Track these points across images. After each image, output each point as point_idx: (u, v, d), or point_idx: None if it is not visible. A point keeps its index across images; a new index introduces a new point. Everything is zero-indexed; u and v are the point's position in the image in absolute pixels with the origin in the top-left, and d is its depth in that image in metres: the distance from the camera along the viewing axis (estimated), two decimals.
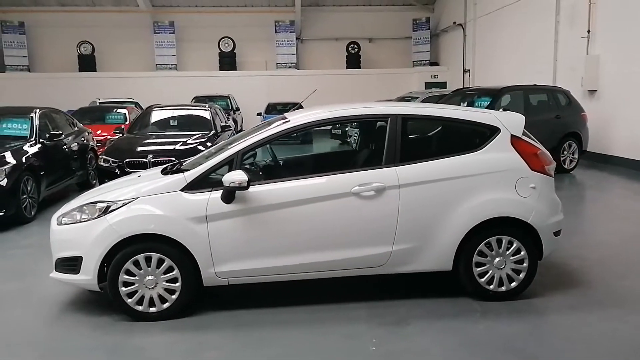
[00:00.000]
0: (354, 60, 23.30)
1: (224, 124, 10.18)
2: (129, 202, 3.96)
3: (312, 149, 15.35)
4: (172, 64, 22.92)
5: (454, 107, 4.97)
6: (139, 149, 8.58)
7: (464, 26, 19.87)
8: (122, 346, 3.71)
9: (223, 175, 3.87)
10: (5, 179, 6.90)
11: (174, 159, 7.02)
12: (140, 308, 3.98)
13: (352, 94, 21.52)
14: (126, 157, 8.32)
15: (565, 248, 5.45)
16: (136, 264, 3.93)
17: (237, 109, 19.90)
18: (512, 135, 4.28)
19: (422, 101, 12.99)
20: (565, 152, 10.49)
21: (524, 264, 4.24)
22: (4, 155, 7.25)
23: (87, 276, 3.94)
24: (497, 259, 4.21)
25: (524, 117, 4.46)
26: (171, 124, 10.02)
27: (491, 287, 4.24)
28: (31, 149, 7.82)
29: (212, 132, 9.39)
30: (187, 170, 4.12)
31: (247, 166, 4.57)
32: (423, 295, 4.38)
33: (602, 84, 11.75)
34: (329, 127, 15.79)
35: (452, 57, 21.71)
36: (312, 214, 3.99)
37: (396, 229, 4.06)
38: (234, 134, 9.69)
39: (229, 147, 4.20)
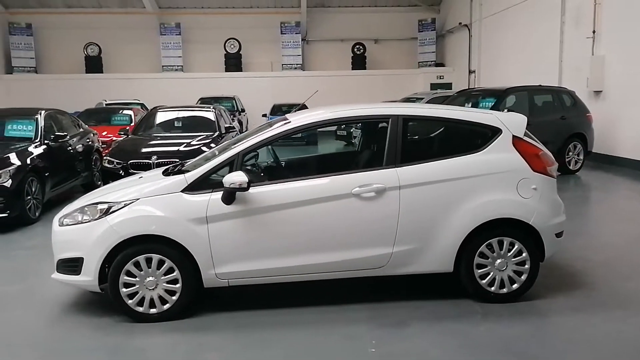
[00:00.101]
0: (359, 61, 23.30)
1: (228, 125, 10.19)
2: (130, 203, 3.97)
3: (317, 150, 15.34)
4: (178, 66, 23.02)
5: (456, 107, 4.95)
6: (143, 150, 8.61)
7: (470, 27, 19.81)
8: (122, 347, 3.72)
9: (224, 177, 3.88)
10: (10, 180, 6.94)
11: (177, 160, 7.03)
12: (140, 309, 3.99)
13: (357, 95, 21.55)
14: (130, 158, 8.35)
15: (569, 249, 5.42)
16: (137, 265, 3.93)
17: (243, 110, 19.94)
18: (513, 136, 4.26)
19: (427, 102, 12.96)
20: (571, 153, 10.43)
21: (526, 266, 4.21)
22: (8, 156, 7.29)
23: (88, 277, 3.95)
24: (499, 261, 4.18)
25: (525, 118, 4.43)
26: (175, 125, 10.05)
27: (492, 288, 4.21)
28: (36, 150, 7.86)
29: (216, 133, 9.40)
30: (188, 171, 4.13)
31: (249, 167, 4.58)
32: (424, 297, 4.37)
33: (607, 85, 11.68)
34: (334, 128, 15.82)
35: (457, 58, 21.65)
36: (312, 215, 3.99)
37: (397, 231, 4.05)
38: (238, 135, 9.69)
39: (230, 148, 4.20)
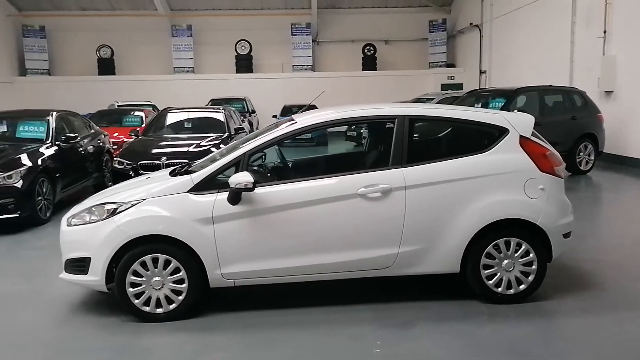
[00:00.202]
0: (369, 62, 23.27)
1: (237, 126, 10.23)
2: (137, 204, 4.00)
3: (327, 150, 15.34)
4: (189, 67, 23.15)
5: (462, 107, 4.92)
6: (153, 151, 8.68)
7: (481, 27, 19.71)
8: (129, 347, 3.75)
9: (229, 177, 3.89)
10: (21, 180, 7.02)
11: (187, 161, 7.08)
12: (147, 309, 4.01)
13: (368, 96, 21.53)
14: (140, 159, 8.42)
15: (578, 250, 5.37)
16: (143, 265, 3.96)
17: (253, 111, 20.01)
18: (520, 136, 4.23)
19: (437, 102, 12.91)
20: (581, 154, 10.34)
21: (533, 266, 4.18)
22: (20, 157, 7.39)
23: (96, 277, 3.99)
24: (506, 261, 4.16)
25: (533, 118, 4.40)
26: (185, 126, 10.10)
27: (499, 289, 4.19)
28: (47, 152, 7.94)
29: (225, 134, 9.45)
30: (195, 172, 4.15)
31: (255, 168, 4.60)
32: (430, 298, 4.35)
33: (618, 85, 11.55)
34: (344, 129, 15.83)
35: (468, 59, 21.54)
36: (318, 215, 3.99)
37: (403, 231, 4.04)
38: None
39: (236, 149, 4.22)
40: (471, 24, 20.45)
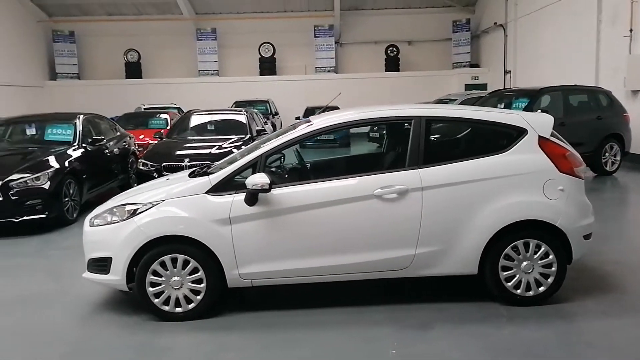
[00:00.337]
0: (392, 63, 23.19)
1: (259, 128, 10.33)
2: (157, 204, 4.08)
3: (349, 151, 15.35)
4: (214, 70, 23.43)
5: (480, 108, 4.89)
6: (176, 153, 8.83)
7: (505, 27, 19.46)
8: (149, 346, 3.82)
9: (247, 178, 3.94)
10: (49, 182, 7.21)
11: (209, 162, 7.18)
12: (166, 308, 4.09)
13: (391, 97, 21.47)
14: (164, 161, 8.58)
15: (601, 252, 5.29)
16: (163, 265, 4.03)
17: (276, 113, 20.15)
18: (539, 137, 4.18)
19: (460, 103, 12.80)
20: (607, 154, 10.14)
21: (553, 268, 4.12)
22: (47, 159, 7.60)
23: (117, 276, 4.08)
24: (525, 263, 4.11)
25: (552, 118, 4.34)
26: (208, 128, 10.26)
27: (518, 291, 4.14)
28: (74, 154, 8.14)
29: (247, 136, 9.55)
30: (213, 173, 4.22)
31: (273, 169, 4.65)
32: (448, 300, 4.33)
33: None
34: (366, 130, 15.81)
35: (493, 58, 21.29)
36: (334, 216, 4.01)
37: (419, 232, 4.03)
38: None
39: (253, 150, 4.27)
40: (495, 23, 20.21)
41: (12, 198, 6.93)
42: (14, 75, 20.78)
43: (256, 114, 11.92)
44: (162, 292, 4.07)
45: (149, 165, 8.63)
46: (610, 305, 4.17)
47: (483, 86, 20.80)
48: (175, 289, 4.06)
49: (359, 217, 4.01)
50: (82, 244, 4.41)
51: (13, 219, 6.95)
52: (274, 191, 3.96)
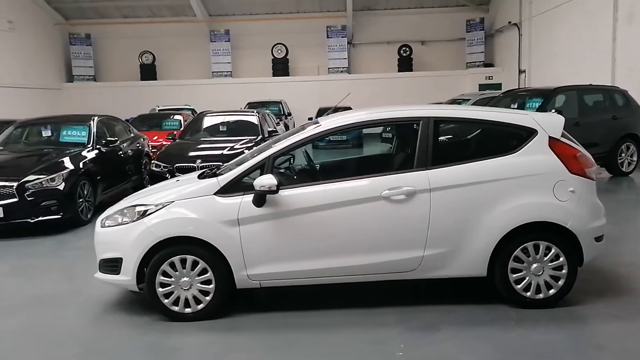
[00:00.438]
0: (405, 63, 23.13)
1: (271, 129, 10.38)
2: (166, 206, 4.12)
3: (362, 152, 15.34)
4: (227, 71, 23.57)
5: (489, 108, 4.85)
6: (188, 154, 8.90)
7: (520, 26, 19.30)
8: (158, 346, 3.86)
9: (255, 180, 3.97)
10: (63, 183, 7.31)
11: (221, 163, 7.23)
12: (176, 308, 4.12)
13: (404, 97, 21.43)
14: (176, 162, 8.66)
15: (615, 254, 5.22)
16: (172, 265, 4.07)
17: (289, 114, 20.20)
18: (550, 137, 4.14)
19: (474, 103, 12.72)
20: (623, 155, 9.99)
21: (563, 271, 4.08)
22: (62, 160, 7.70)
23: (127, 277, 4.12)
24: (535, 265, 4.07)
25: (563, 119, 4.30)
26: (220, 129, 10.33)
27: (528, 294, 4.10)
28: (88, 155, 8.25)
29: (259, 137, 9.60)
30: (222, 174, 4.24)
31: (282, 170, 4.67)
32: (457, 302, 4.31)
33: None
34: (379, 131, 15.80)
35: (507, 58, 21.12)
36: (342, 217, 4.01)
37: (427, 234, 4.01)
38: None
39: (261, 151, 4.29)
40: (510, 22, 20.05)
41: (28, 199, 7.04)
42: (32, 77, 21.13)
43: (268, 115, 11.98)
44: (172, 292, 4.10)
45: (162, 167, 8.72)
46: (622, 308, 4.11)
47: (497, 86, 20.65)
48: (185, 289, 4.09)
49: (367, 218, 4.01)
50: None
51: (29, 220, 7.06)
52: (282, 192, 3.98)
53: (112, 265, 4.20)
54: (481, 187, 4.03)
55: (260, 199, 3.96)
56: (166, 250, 4.05)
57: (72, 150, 8.19)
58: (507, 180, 4.04)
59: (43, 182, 7.17)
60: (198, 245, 4.03)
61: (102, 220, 4.40)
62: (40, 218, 7.10)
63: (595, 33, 13.68)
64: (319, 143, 15.52)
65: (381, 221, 4.02)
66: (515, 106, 10.13)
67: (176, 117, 14.84)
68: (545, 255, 4.07)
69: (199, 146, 9.40)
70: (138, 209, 4.20)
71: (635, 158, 10.05)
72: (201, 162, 8.37)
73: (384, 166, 4.78)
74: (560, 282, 4.09)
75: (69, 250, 6.58)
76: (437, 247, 4.03)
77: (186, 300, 4.11)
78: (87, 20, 23.77)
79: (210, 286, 4.09)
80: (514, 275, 4.09)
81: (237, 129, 10.11)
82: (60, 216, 7.25)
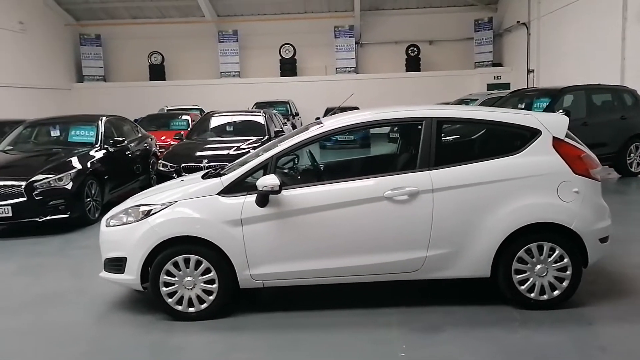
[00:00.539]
0: (413, 63, 23.08)
1: (277, 129, 10.40)
2: (170, 205, 4.14)
3: (369, 152, 15.33)
4: (235, 71, 23.65)
5: (493, 109, 4.83)
6: (195, 154, 8.95)
7: (528, 25, 19.19)
8: (162, 345, 3.88)
9: (257, 180, 3.98)
10: (71, 182, 7.37)
11: (227, 163, 7.25)
12: (180, 308, 4.14)
13: (412, 97, 21.39)
14: (183, 162, 8.71)
15: (622, 255, 5.19)
16: (176, 265, 4.09)
17: (297, 114, 20.23)
18: (554, 138, 4.12)
19: (481, 103, 12.66)
20: (632, 155, 9.90)
21: (567, 272, 4.05)
22: (70, 160, 7.77)
23: (131, 276, 4.15)
24: (539, 266, 4.05)
25: (567, 119, 4.27)
26: (227, 129, 10.37)
27: (532, 295, 4.08)
28: (96, 155, 8.31)
29: (265, 137, 9.61)
30: (225, 174, 4.26)
31: (285, 170, 4.68)
32: (460, 302, 4.29)
33: None
34: (387, 131, 15.80)
35: (516, 57, 21.01)
36: (344, 218, 4.01)
37: (430, 234, 4.01)
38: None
39: (264, 152, 4.31)
40: (518, 22, 19.95)
41: (36, 198, 7.10)
42: (43, 78, 21.34)
43: (275, 115, 12.00)
44: (176, 292, 4.12)
45: (169, 166, 8.77)
46: (627, 310, 4.08)
47: (506, 86, 20.55)
48: (188, 289, 4.11)
49: (370, 218, 4.01)
50: None
51: (37, 219, 7.12)
52: (285, 192, 3.99)
53: (116, 265, 4.23)
54: (484, 188, 4.01)
55: (263, 199, 3.97)
56: (170, 250, 4.07)
57: (80, 150, 8.26)
58: (510, 180, 4.02)
59: (51, 182, 7.24)
60: (201, 245, 4.05)
61: (107, 219, 4.43)
62: (48, 217, 7.17)
63: (605, 32, 13.58)
64: (327, 143, 15.58)
65: (384, 221, 4.01)
66: (523, 106, 10.08)
67: (184, 117, 14.92)
68: (549, 256, 4.05)
69: (206, 146, 9.45)
70: (142, 208, 4.23)
71: None
72: (207, 162, 8.41)
73: (387, 166, 4.77)
74: (565, 284, 4.07)
75: (76, 249, 6.63)
76: (440, 247, 4.03)
77: (190, 299, 4.13)
78: (97, 21, 23.95)
79: (214, 286, 4.10)
80: (518, 277, 4.07)
81: (244, 129, 10.15)
82: (67, 215, 7.31)
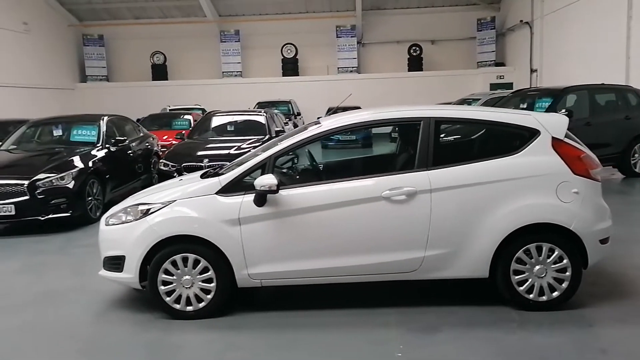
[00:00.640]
0: (415, 63, 23.05)
1: (278, 129, 10.40)
2: (168, 204, 4.15)
3: (371, 152, 15.32)
4: (237, 71, 23.68)
5: (492, 109, 4.82)
6: (196, 153, 8.96)
7: (531, 24, 19.14)
8: (159, 343, 3.89)
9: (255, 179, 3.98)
10: (73, 181, 7.40)
11: (227, 163, 7.26)
12: (178, 306, 4.14)
13: (414, 97, 21.38)
14: (184, 161, 8.73)
15: (624, 257, 5.16)
16: (174, 264, 4.09)
17: (298, 114, 20.23)
18: (553, 138, 4.10)
19: (483, 103, 12.63)
20: (636, 155, 9.84)
21: (567, 273, 4.03)
22: (72, 159, 7.80)
23: (130, 274, 4.16)
24: (537, 267, 4.03)
25: (567, 119, 4.25)
26: (228, 129, 10.38)
27: (531, 296, 4.06)
28: (98, 154, 8.34)
29: (266, 137, 9.62)
30: (224, 174, 4.26)
31: (284, 170, 4.68)
32: (459, 303, 4.27)
33: None
34: (388, 130, 15.80)
35: (518, 57, 20.95)
36: (342, 217, 4.00)
37: (428, 234, 3.99)
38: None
39: (263, 151, 4.30)
40: (521, 21, 19.90)
41: (39, 197, 7.13)
42: (46, 78, 21.42)
43: (277, 114, 12.01)
44: (174, 290, 4.12)
45: (170, 166, 8.79)
46: (628, 312, 4.05)
47: (509, 85, 20.50)
48: (186, 287, 4.11)
49: (367, 218, 4.00)
50: None
51: (39, 217, 7.15)
52: (283, 192, 3.99)
53: (115, 263, 4.24)
54: (483, 188, 3.99)
55: (260, 199, 3.96)
56: (168, 249, 4.08)
57: (82, 150, 8.28)
58: (509, 181, 4.01)
59: (53, 181, 7.26)
60: (200, 244, 4.05)
61: (107, 218, 4.44)
62: (50, 216, 7.20)
63: (609, 31, 13.52)
64: (329, 143, 15.60)
65: (382, 221, 4.00)
66: (525, 106, 10.05)
67: (186, 116, 14.94)
68: (549, 257, 4.03)
69: (207, 146, 9.46)
70: (141, 207, 4.23)
71: None
72: (208, 162, 8.42)
73: (385, 166, 4.76)
74: (564, 285, 4.04)
75: (77, 248, 6.65)
76: (438, 247, 4.01)
77: (188, 298, 4.13)
78: (100, 22, 24.01)
79: (212, 285, 4.10)
80: (517, 277, 4.05)
81: (245, 128, 10.16)
82: (69, 214, 7.33)
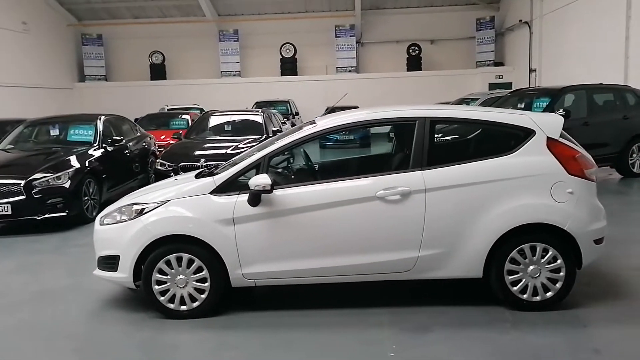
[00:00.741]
0: (414, 63, 23.03)
1: (275, 129, 10.39)
2: (163, 204, 4.14)
3: (369, 151, 15.31)
4: (236, 71, 23.65)
5: (487, 108, 4.81)
6: (193, 153, 8.95)
7: (530, 24, 19.12)
8: (153, 342, 3.90)
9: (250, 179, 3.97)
10: (69, 181, 7.40)
11: (223, 162, 7.25)
12: (172, 306, 4.14)
13: (413, 97, 21.36)
14: (180, 161, 8.72)
15: (620, 257, 5.16)
16: (168, 263, 4.09)
17: (297, 113, 20.23)
18: (548, 138, 4.09)
19: (482, 103, 12.62)
20: (634, 155, 9.83)
21: (561, 273, 4.03)
22: (69, 159, 7.79)
23: (124, 274, 4.16)
24: (531, 267, 4.02)
25: (562, 119, 4.25)
26: (225, 128, 10.37)
27: (525, 296, 4.06)
28: (94, 154, 8.33)
29: (263, 137, 9.61)
30: (218, 174, 4.26)
31: (279, 170, 4.67)
32: (452, 303, 4.27)
33: None
34: (386, 130, 15.75)
35: (518, 57, 20.94)
36: (336, 217, 4.00)
37: (422, 234, 3.99)
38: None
39: (257, 151, 4.30)
40: (520, 20, 19.89)
41: (35, 196, 7.13)
42: (45, 77, 21.40)
43: (274, 114, 11.99)
44: (168, 290, 4.12)
45: (167, 166, 8.78)
46: (622, 312, 4.04)
47: (507, 85, 20.48)
48: (180, 287, 4.11)
49: (362, 218, 4.00)
50: None
51: (35, 217, 7.15)
52: (277, 192, 3.99)
53: (109, 263, 4.24)
54: (477, 188, 3.99)
55: (255, 199, 3.96)
56: (162, 249, 4.08)
57: (79, 149, 8.28)
58: (503, 181, 4.00)
59: (49, 180, 7.26)
60: (194, 243, 4.05)
61: (101, 218, 4.44)
62: (46, 215, 7.20)
63: (608, 31, 13.50)
64: (326, 142, 15.59)
65: (376, 221, 4.00)
66: (522, 106, 10.04)
67: (183, 116, 14.93)
68: (543, 257, 4.02)
69: (204, 145, 9.46)
70: (135, 207, 4.23)
71: None
72: (205, 162, 8.41)
73: (380, 166, 4.76)
74: (558, 285, 4.04)
75: (73, 247, 6.65)
76: (432, 247, 4.01)
77: (182, 297, 4.13)
78: (99, 21, 23.98)
79: (206, 284, 4.10)
80: (510, 277, 4.05)
81: (242, 128, 10.16)
82: (66, 214, 7.33)
